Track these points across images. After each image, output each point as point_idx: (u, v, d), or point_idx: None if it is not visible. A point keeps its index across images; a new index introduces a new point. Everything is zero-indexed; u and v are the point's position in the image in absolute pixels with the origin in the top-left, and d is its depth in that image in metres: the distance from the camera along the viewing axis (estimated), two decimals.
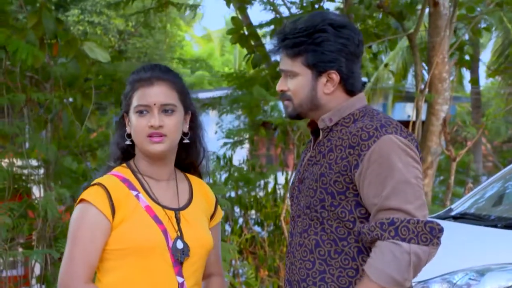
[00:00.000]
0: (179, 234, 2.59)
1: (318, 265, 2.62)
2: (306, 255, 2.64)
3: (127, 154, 2.71)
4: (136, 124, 2.60)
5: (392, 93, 16.80)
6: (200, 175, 2.83)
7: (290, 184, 2.88)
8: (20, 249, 6.18)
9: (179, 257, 2.57)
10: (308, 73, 2.63)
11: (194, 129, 2.74)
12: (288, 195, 2.95)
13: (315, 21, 2.62)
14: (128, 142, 2.66)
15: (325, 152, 2.62)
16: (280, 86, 2.70)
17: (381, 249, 2.47)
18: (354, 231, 2.57)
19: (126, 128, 2.67)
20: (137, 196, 2.59)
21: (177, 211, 2.64)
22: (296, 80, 2.65)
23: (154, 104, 2.58)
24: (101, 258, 2.58)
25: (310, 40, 2.60)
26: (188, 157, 2.76)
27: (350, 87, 2.66)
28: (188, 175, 2.79)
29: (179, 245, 2.58)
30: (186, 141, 2.70)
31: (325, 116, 2.65)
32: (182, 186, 2.73)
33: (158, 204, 2.61)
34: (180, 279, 2.57)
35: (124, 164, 2.69)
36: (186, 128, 2.70)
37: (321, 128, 2.68)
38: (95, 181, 2.61)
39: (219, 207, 2.84)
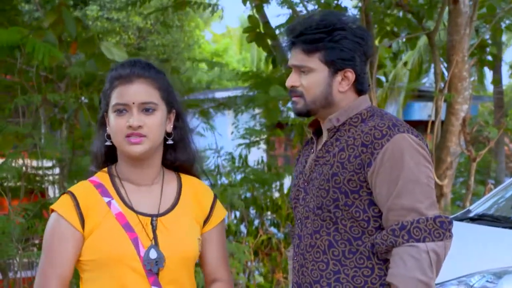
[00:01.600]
0: (153, 243, 2.45)
1: (332, 266, 2.59)
2: (319, 256, 2.61)
3: (111, 157, 2.58)
4: (115, 124, 2.47)
5: (405, 92, 16.61)
6: (197, 178, 2.69)
7: (292, 187, 2.82)
8: (35, 250, 6.16)
9: (152, 267, 2.42)
10: (324, 69, 2.61)
11: (179, 129, 2.60)
12: (290, 198, 2.86)
13: (332, 19, 2.62)
14: (108, 143, 2.53)
15: (336, 152, 2.60)
16: (291, 81, 2.66)
17: (400, 256, 2.47)
18: (369, 230, 2.56)
19: (107, 129, 2.53)
20: (108, 203, 2.48)
21: (154, 217, 2.49)
22: (311, 76, 2.62)
23: (133, 103, 2.46)
24: (80, 269, 2.50)
25: (330, 37, 2.59)
26: (176, 159, 2.61)
27: (360, 87, 2.67)
28: (183, 175, 2.65)
29: (153, 254, 2.43)
30: (170, 142, 2.57)
31: (332, 116, 2.64)
32: (168, 189, 2.58)
33: (133, 210, 2.48)
34: None
35: (105, 169, 2.57)
36: (169, 128, 2.57)
37: (327, 128, 2.66)
38: (69, 189, 2.52)
39: (219, 208, 2.67)
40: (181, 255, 2.49)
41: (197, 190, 2.64)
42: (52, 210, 2.49)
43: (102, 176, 2.54)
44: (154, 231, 2.47)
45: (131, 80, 2.49)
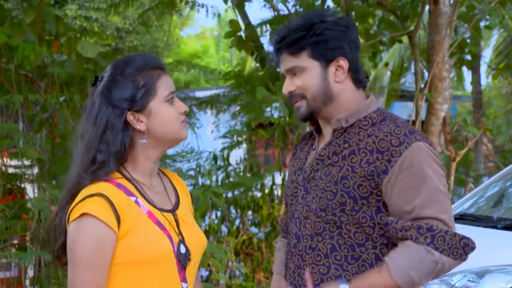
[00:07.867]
0: (181, 238, 2.41)
1: (333, 271, 2.55)
2: (320, 260, 2.56)
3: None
4: (169, 113, 2.42)
5: (386, 93, 16.68)
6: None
7: (289, 182, 2.76)
8: (14, 250, 6.09)
9: (183, 262, 2.39)
10: (315, 64, 2.57)
11: None
12: (286, 194, 2.81)
13: (310, 16, 2.59)
14: (144, 141, 2.42)
15: (345, 154, 2.54)
16: (287, 88, 2.61)
17: (412, 250, 2.43)
18: (373, 237, 2.52)
19: (138, 126, 2.41)
20: (136, 202, 2.36)
21: (173, 212, 2.46)
22: (304, 75, 2.58)
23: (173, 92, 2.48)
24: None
25: (311, 32, 2.55)
26: None
27: (357, 76, 2.61)
28: (160, 168, 2.60)
29: (182, 249, 2.40)
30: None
31: (341, 117, 2.59)
32: (165, 183, 2.56)
33: (155, 207, 2.41)
34: (185, 285, 2.41)
35: (115, 172, 2.40)
36: None
37: (334, 128, 2.61)
38: (92, 191, 2.31)
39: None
40: (201, 247, 2.50)
41: (179, 180, 2.65)
42: (82, 215, 2.29)
43: (115, 177, 2.40)
44: (178, 226, 2.43)
45: (165, 70, 2.48)
